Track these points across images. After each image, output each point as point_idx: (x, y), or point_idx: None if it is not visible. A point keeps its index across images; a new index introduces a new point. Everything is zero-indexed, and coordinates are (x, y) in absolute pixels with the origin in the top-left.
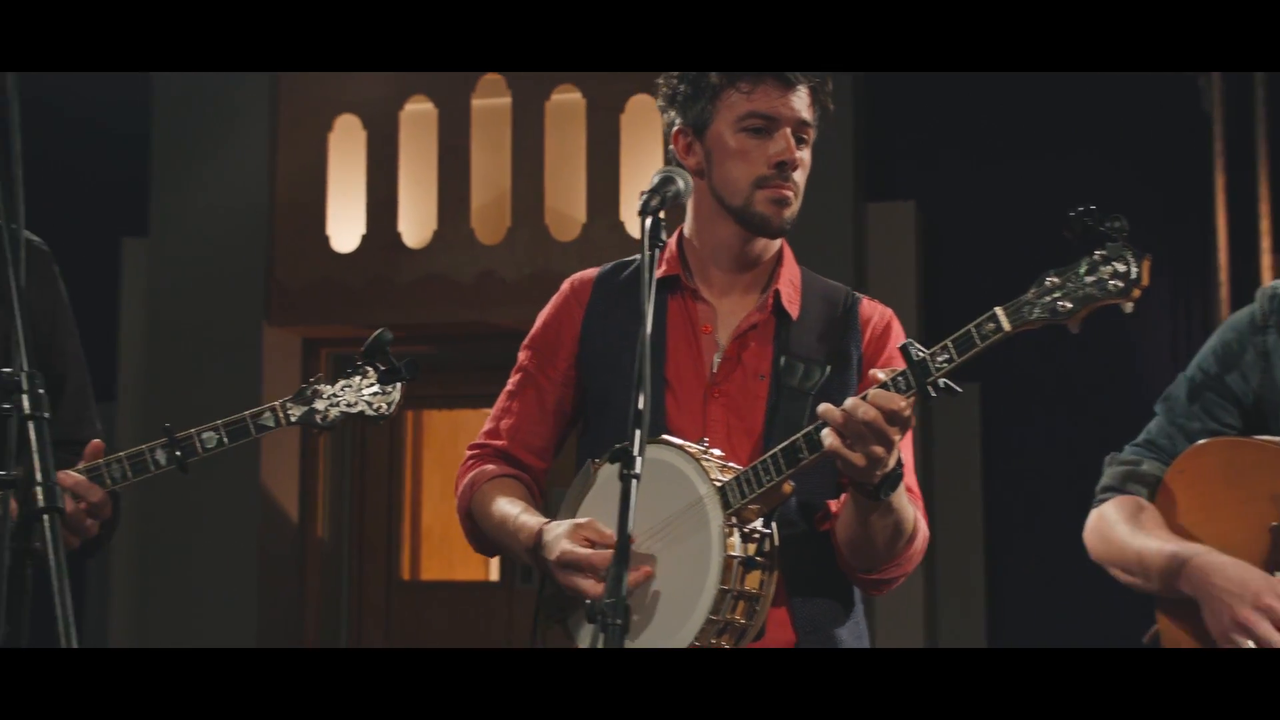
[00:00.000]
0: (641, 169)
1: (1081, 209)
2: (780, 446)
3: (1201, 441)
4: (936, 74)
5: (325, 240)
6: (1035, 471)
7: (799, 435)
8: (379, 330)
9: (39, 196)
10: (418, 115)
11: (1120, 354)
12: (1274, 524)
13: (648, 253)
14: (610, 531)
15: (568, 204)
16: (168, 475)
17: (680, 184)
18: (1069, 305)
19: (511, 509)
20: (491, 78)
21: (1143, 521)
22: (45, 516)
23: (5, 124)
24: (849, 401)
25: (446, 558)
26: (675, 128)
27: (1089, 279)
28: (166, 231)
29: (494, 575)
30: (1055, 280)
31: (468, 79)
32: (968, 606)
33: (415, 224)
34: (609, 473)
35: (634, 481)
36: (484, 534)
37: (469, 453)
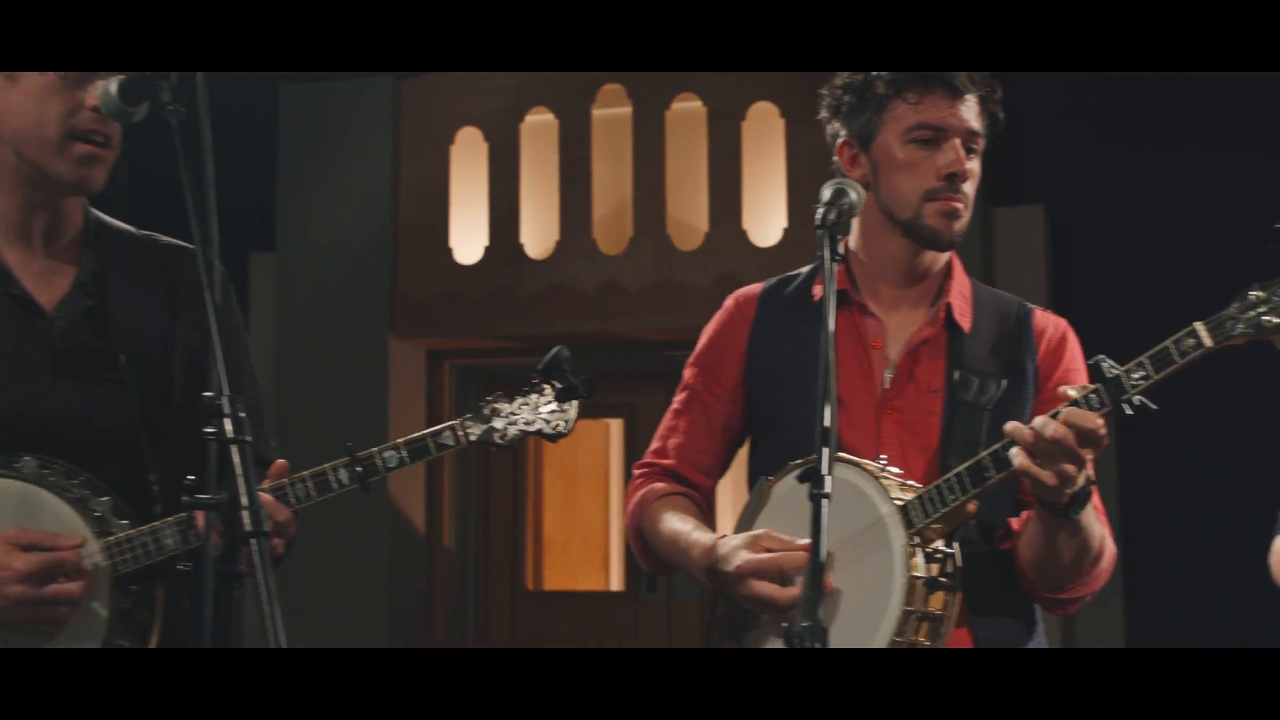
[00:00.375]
0: (763, 176)
1: None
2: (965, 465)
3: None
4: (1065, 75)
5: (449, 252)
6: (1174, 472)
7: (985, 453)
8: (556, 348)
9: (169, 214)
10: (539, 126)
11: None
12: None
13: (829, 265)
14: (790, 539)
15: (689, 213)
16: None
17: (853, 195)
18: (1275, 320)
19: (683, 526)
20: (611, 87)
21: None
22: (253, 540)
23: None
24: (1038, 419)
25: (568, 567)
26: (840, 139)
27: None
28: (293, 246)
29: (615, 585)
30: (1260, 294)
31: (588, 89)
32: (1106, 606)
33: (537, 235)
34: (783, 489)
35: (824, 501)
36: (654, 551)
37: (637, 472)
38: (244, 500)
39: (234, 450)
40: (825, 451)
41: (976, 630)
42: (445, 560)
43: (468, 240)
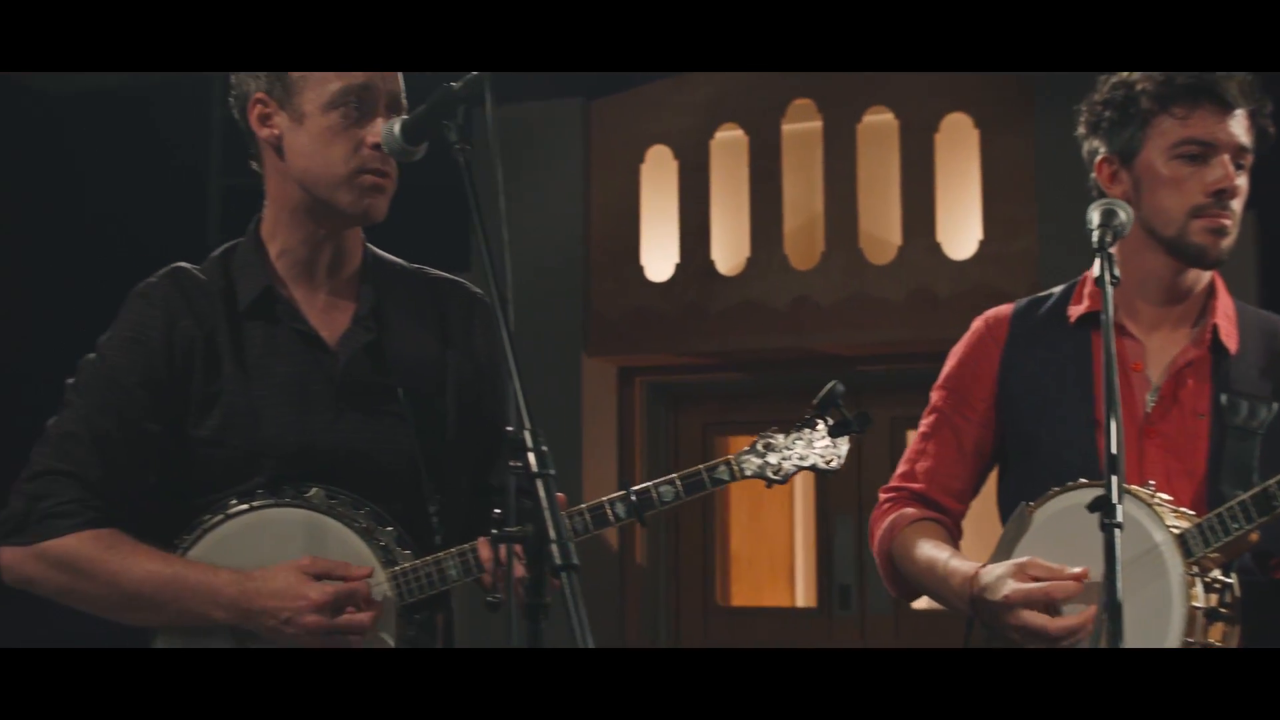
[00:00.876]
0: (957, 189)
1: None
2: (1250, 493)
3: None
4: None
5: (640, 270)
6: None
7: (1272, 481)
8: (832, 383)
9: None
10: (728, 143)
11: None
12: None
13: (1108, 289)
14: (1058, 567)
15: (882, 226)
16: None
17: (1123, 216)
18: None
19: (939, 553)
20: (801, 102)
21: None
22: (565, 574)
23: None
24: None
25: (754, 583)
26: (1099, 156)
27: None
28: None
29: (800, 601)
30: None
31: (778, 104)
32: None
33: (728, 251)
34: (1045, 515)
35: (1117, 531)
36: (905, 577)
37: (884, 496)
38: (552, 534)
39: (539, 484)
40: (1114, 480)
41: None
42: (638, 576)
43: (659, 258)
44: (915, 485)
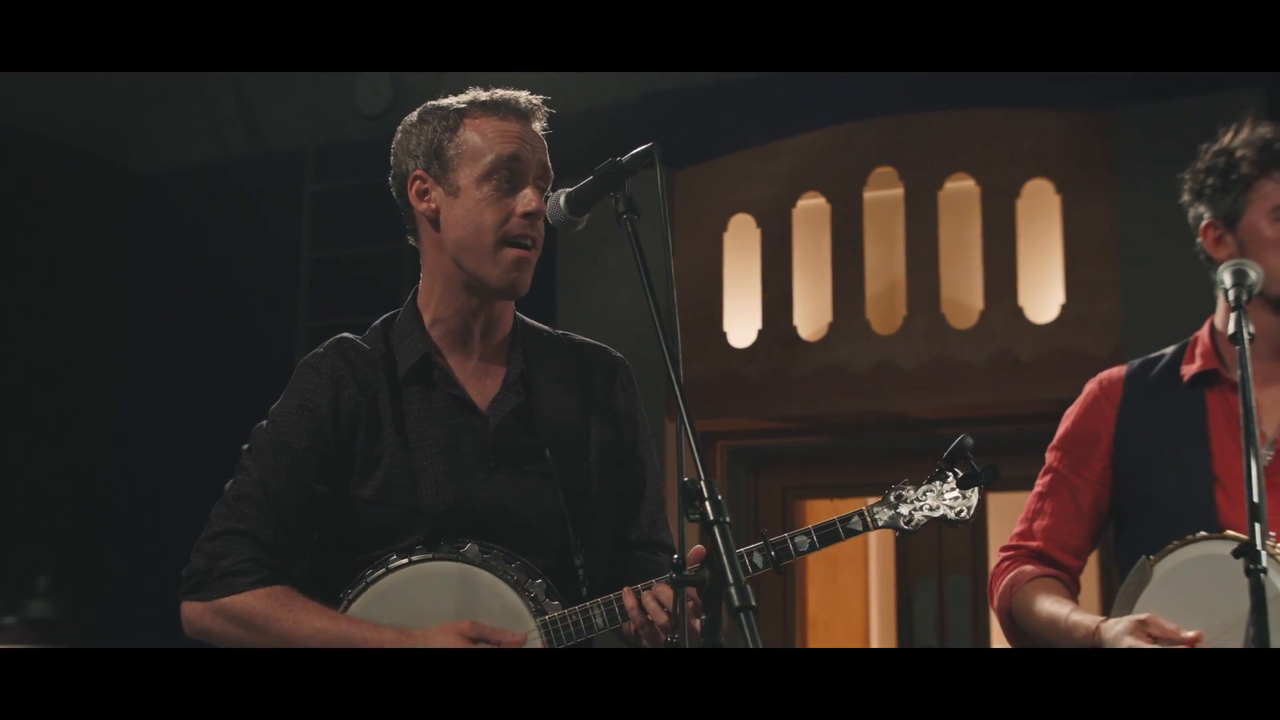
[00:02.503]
0: (1039, 254)
1: None
2: None
3: None
4: None
5: (723, 336)
6: None
7: None
8: (961, 436)
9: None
10: (811, 210)
11: None
12: None
13: (1245, 344)
14: (1175, 627)
15: (963, 291)
16: None
17: (1254, 275)
18: None
19: (1060, 609)
20: (883, 170)
21: None
22: (742, 615)
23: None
24: None
25: (830, 645)
26: (1204, 222)
27: None
28: (573, 330)
29: None
30: None
31: (861, 173)
32: None
33: (810, 316)
34: (1165, 569)
35: (1263, 576)
36: (1027, 633)
37: (1003, 555)
38: (730, 577)
39: (716, 530)
40: (1257, 527)
41: None
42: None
43: (741, 324)
44: (1033, 544)
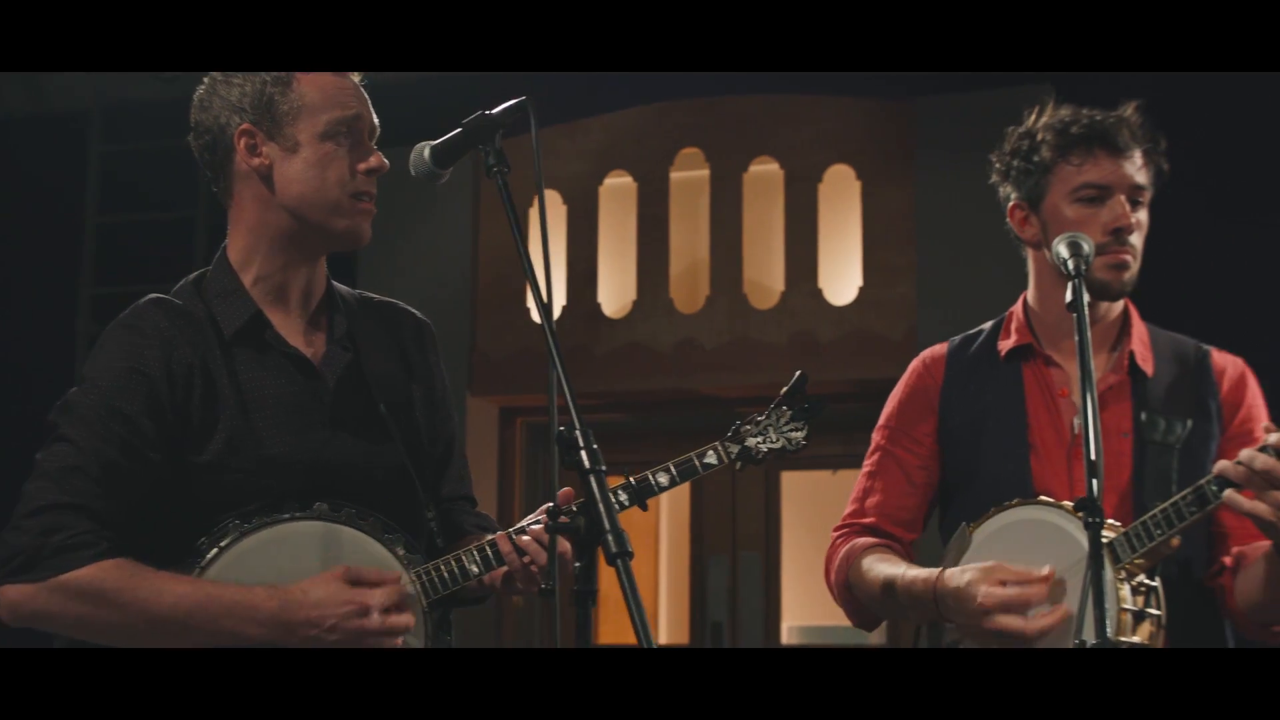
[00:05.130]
0: (839, 237)
1: None
2: (1169, 502)
3: None
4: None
5: (527, 312)
6: None
7: (1188, 491)
8: (798, 374)
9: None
10: (617, 189)
11: None
12: None
13: (1084, 313)
14: (1025, 571)
15: (765, 273)
16: None
17: (1087, 247)
18: None
19: (896, 569)
20: (690, 151)
21: None
22: (619, 561)
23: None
24: (1245, 453)
25: (621, 623)
26: (1011, 202)
27: None
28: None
29: (668, 639)
30: None
31: (667, 153)
32: None
33: (614, 294)
34: (984, 534)
35: (1100, 529)
36: (864, 602)
37: (835, 534)
38: (606, 525)
39: (592, 479)
40: (1094, 482)
41: None
42: (513, 617)
43: None
44: (866, 519)
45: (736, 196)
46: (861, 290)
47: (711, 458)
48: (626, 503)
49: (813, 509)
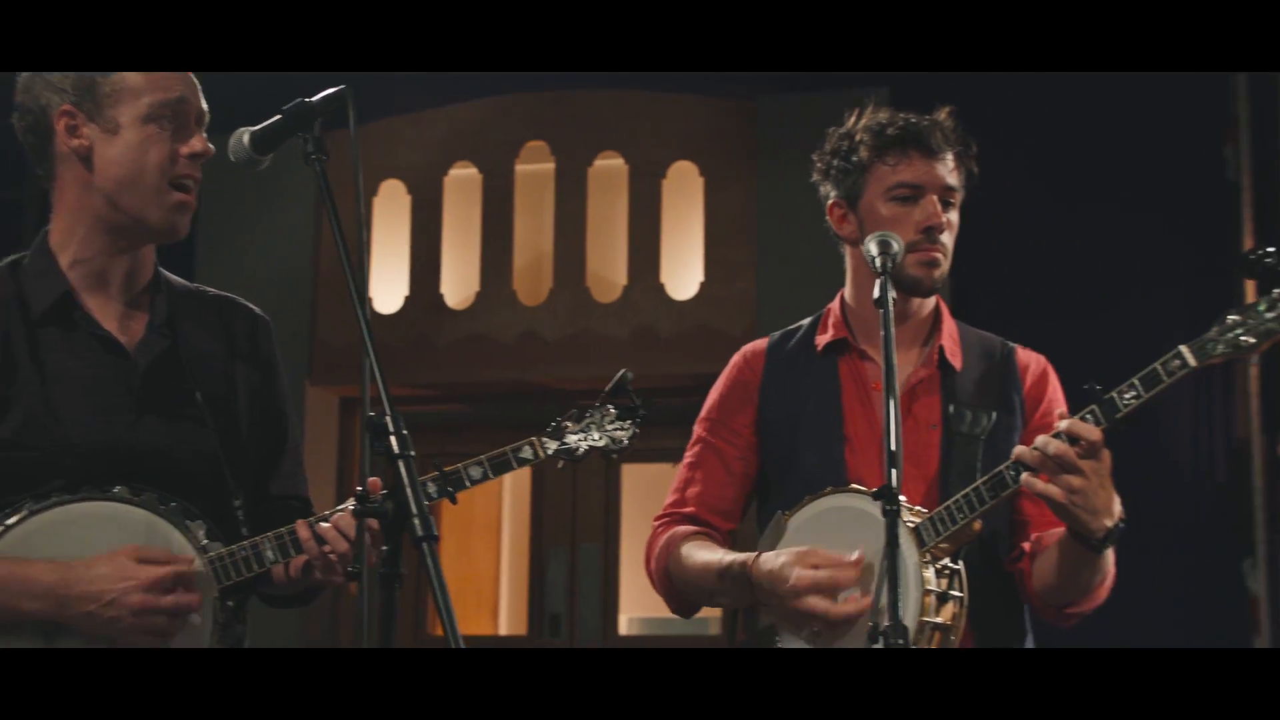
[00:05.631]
0: (681, 233)
1: (1260, 251)
2: (970, 488)
3: None
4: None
5: (368, 301)
6: None
7: (988, 477)
8: (621, 372)
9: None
10: (462, 180)
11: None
12: None
13: (889, 308)
14: (837, 555)
15: (608, 267)
16: None
17: (896, 246)
18: (1251, 340)
19: (712, 555)
20: (535, 144)
21: None
22: (425, 544)
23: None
24: (1040, 439)
25: (460, 614)
26: (830, 200)
27: (1270, 315)
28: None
29: (508, 630)
30: (1237, 318)
31: (512, 146)
32: None
33: (457, 285)
34: (798, 522)
35: (897, 516)
36: (682, 589)
37: (656, 523)
38: (414, 508)
39: (401, 464)
40: (894, 472)
41: (977, 638)
42: (349, 607)
43: (388, 290)
44: (686, 509)
45: (581, 190)
46: (703, 286)
47: (527, 453)
48: (435, 494)
49: (653, 501)
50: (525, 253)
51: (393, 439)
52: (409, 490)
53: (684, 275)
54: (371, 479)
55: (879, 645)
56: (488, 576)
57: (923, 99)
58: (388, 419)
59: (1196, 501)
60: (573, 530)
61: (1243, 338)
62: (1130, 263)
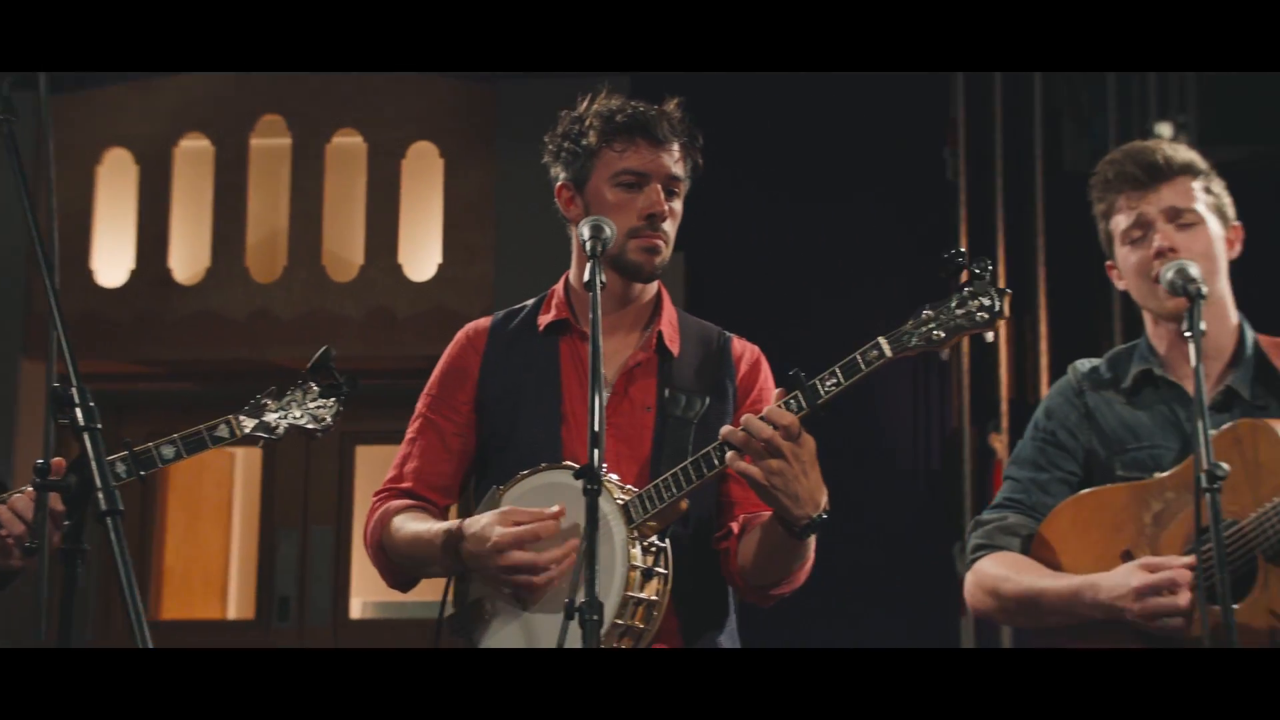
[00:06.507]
0: (420, 214)
1: (954, 251)
2: (678, 467)
3: (1055, 506)
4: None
5: (90, 274)
6: None
7: (696, 456)
8: (323, 349)
9: None
10: (193, 152)
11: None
12: (1125, 549)
13: (598, 290)
14: (538, 510)
15: (345, 246)
16: None
17: (608, 231)
18: (942, 334)
19: (422, 525)
20: (271, 118)
21: (1023, 568)
22: (109, 519)
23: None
24: (744, 418)
25: (187, 596)
26: (559, 183)
27: (959, 311)
28: None
29: (236, 614)
30: (930, 313)
31: (246, 118)
32: None
33: (187, 260)
34: (513, 496)
35: (597, 495)
36: (396, 562)
37: (374, 499)
38: (98, 482)
39: (85, 435)
40: (596, 452)
41: (681, 615)
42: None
43: (111, 263)
44: (403, 485)
45: (318, 167)
46: (441, 267)
47: (223, 431)
48: (124, 474)
49: None
50: (259, 229)
51: (78, 410)
52: (94, 464)
53: (422, 256)
54: (56, 459)
55: (574, 621)
56: (217, 559)
57: (662, 90)
58: (74, 390)
59: (914, 487)
60: (305, 512)
61: (935, 331)
62: (859, 256)
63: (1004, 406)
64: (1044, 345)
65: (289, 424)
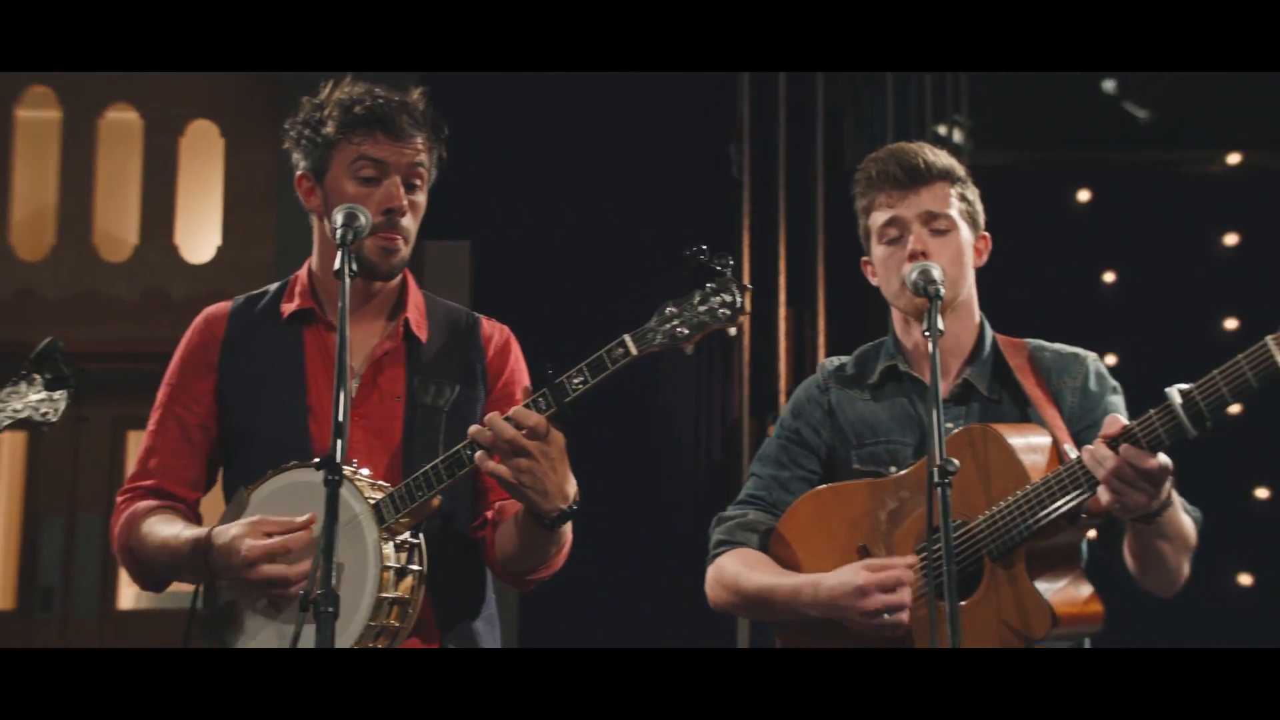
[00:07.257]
0: (199, 194)
1: (695, 248)
2: (430, 466)
3: (795, 502)
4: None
5: None
6: None
7: (447, 456)
8: (49, 339)
9: None
10: None
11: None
12: (861, 545)
13: (347, 281)
14: (288, 519)
15: (119, 225)
16: None
17: (362, 220)
18: (686, 331)
19: (171, 529)
20: (40, 89)
21: (758, 565)
22: None
23: None
24: (490, 417)
25: None
26: (299, 172)
27: (702, 308)
28: None
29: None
30: (674, 310)
31: (12, 89)
32: None
33: None
34: (261, 496)
35: (339, 487)
36: (146, 564)
37: (119, 498)
38: None
39: None
40: (339, 443)
41: (436, 605)
42: None
43: None
44: (148, 482)
45: (90, 143)
46: (220, 250)
47: None
48: None
49: None
50: (25, 205)
51: None
52: None
53: (200, 238)
54: None
55: (308, 613)
56: None
57: (454, 82)
58: None
59: (696, 476)
60: (72, 498)
61: (678, 329)
62: (646, 250)
63: (782, 399)
64: (822, 339)
65: (9, 417)
